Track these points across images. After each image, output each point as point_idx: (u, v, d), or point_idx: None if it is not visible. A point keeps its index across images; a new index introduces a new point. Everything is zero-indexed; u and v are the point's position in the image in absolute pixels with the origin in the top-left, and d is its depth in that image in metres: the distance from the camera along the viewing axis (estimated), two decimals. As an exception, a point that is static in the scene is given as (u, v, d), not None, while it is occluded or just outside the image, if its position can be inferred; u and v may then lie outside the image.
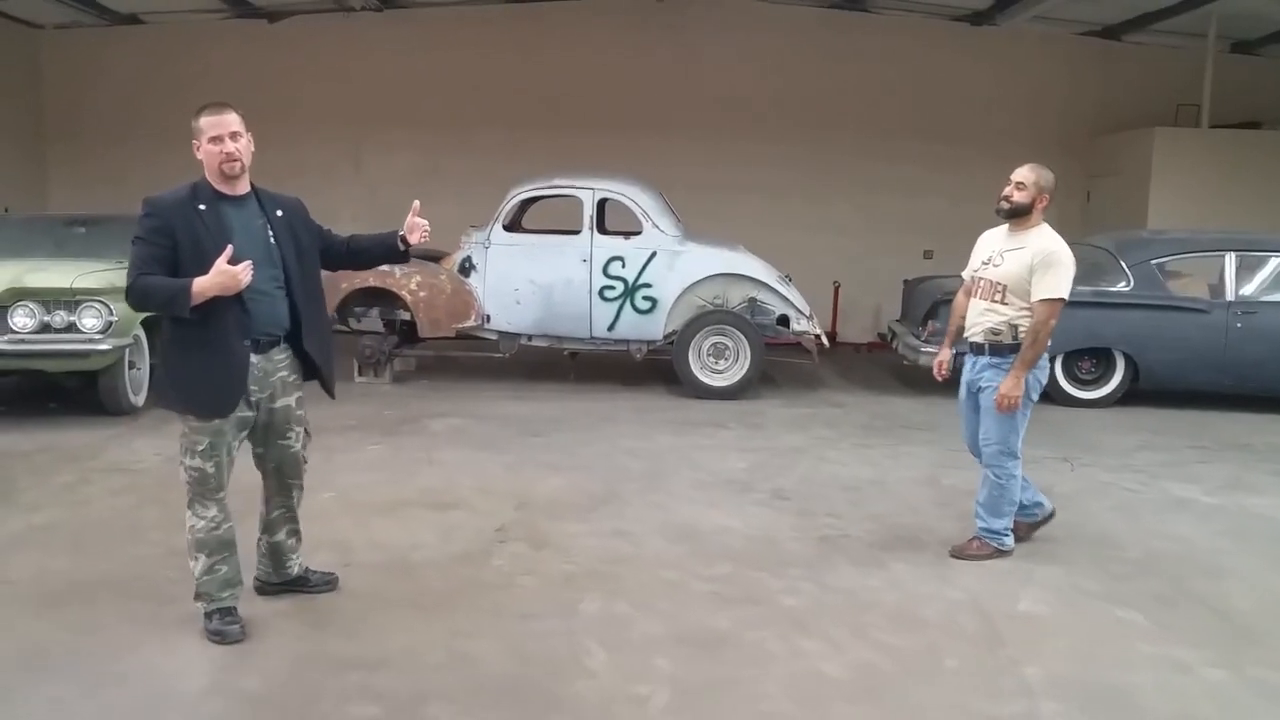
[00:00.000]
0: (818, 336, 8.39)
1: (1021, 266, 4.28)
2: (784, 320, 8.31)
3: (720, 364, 8.21)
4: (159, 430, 6.46)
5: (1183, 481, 5.89)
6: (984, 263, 4.46)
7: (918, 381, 8.89)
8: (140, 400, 6.97)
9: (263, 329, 3.44)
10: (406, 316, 8.45)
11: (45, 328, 6.46)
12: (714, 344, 8.20)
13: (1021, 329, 4.28)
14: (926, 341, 8.07)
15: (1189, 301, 8.01)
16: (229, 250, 3.24)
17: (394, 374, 8.63)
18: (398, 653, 3.45)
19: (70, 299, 6.47)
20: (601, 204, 8.27)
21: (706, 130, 11.26)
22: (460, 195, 10.30)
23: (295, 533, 3.86)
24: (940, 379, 4.78)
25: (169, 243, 3.29)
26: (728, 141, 11.26)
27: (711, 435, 6.90)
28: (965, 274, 4.65)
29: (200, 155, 3.37)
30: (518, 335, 8.43)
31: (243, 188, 3.44)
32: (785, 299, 8.27)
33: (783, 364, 8.86)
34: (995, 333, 4.34)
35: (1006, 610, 3.91)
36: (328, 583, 3.95)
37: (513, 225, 8.45)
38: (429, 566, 4.26)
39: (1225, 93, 10.45)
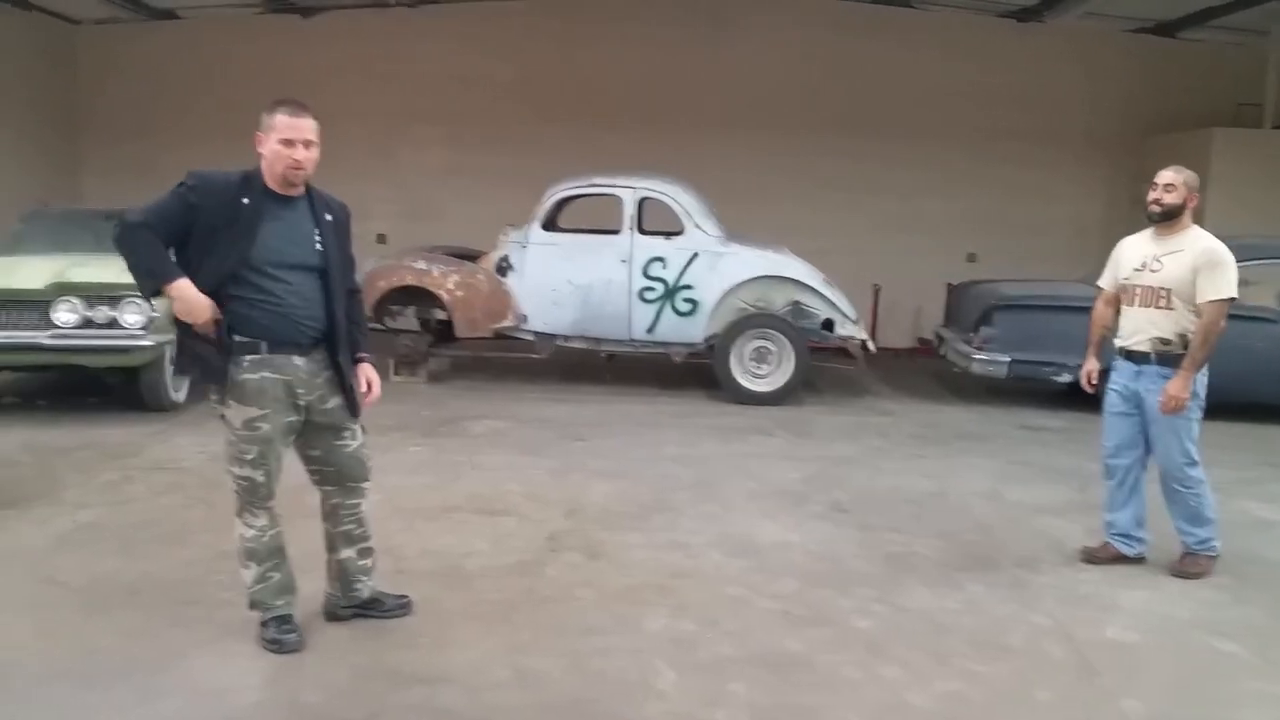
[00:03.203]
0: (863, 341, 8.22)
1: (1184, 269, 4.19)
2: (828, 324, 8.13)
3: (763, 368, 8.05)
4: (200, 427, 6.37)
5: (1262, 501, 5.67)
6: (1136, 269, 4.35)
7: (968, 389, 8.74)
8: (181, 397, 6.89)
9: (306, 332, 3.31)
10: (443, 316, 8.34)
11: (88, 323, 6.39)
12: (756, 348, 8.04)
13: (1188, 334, 4.19)
14: (979, 348, 7.89)
15: (1256, 311, 7.76)
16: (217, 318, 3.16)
17: (429, 373, 8.53)
18: (459, 667, 3.33)
19: (113, 294, 6.40)
20: (641, 203, 8.13)
21: (745, 129, 11.08)
22: (494, 194, 10.23)
23: (367, 551, 3.60)
24: (1090, 390, 4.60)
25: (190, 218, 3.14)
26: (766, 140, 11.07)
27: (758, 443, 6.74)
28: (1104, 283, 4.57)
29: (263, 150, 3.21)
30: (555, 336, 8.31)
31: (298, 191, 3.30)
32: (830, 302, 8.09)
33: (825, 369, 8.69)
34: (1165, 341, 4.24)
35: (1094, 637, 3.73)
36: (402, 606, 3.70)
37: (550, 224, 8.32)
38: (483, 576, 4.14)
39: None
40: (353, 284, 3.54)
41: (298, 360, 3.29)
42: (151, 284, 3.16)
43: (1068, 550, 4.64)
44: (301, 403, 3.32)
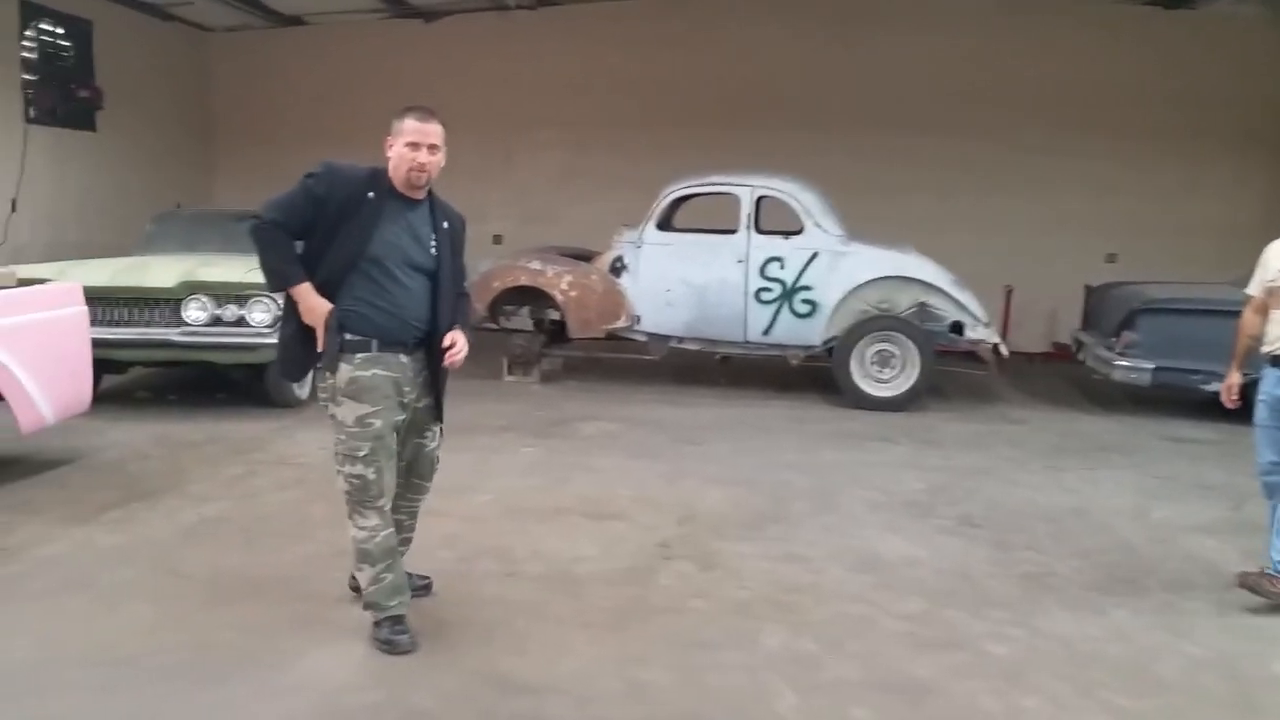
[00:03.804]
0: (995, 345, 7.82)
1: None
2: (957, 327, 7.77)
3: (885, 373, 7.74)
4: (322, 423, 6.32)
5: None
6: None
7: (1108, 398, 8.23)
8: (304, 394, 7.02)
9: (413, 332, 3.34)
10: (556, 316, 8.31)
11: (216, 321, 6.58)
12: (879, 351, 7.74)
13: None
14: (1121, 354, 7.41)
15: None
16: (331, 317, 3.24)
17: (542, 374, 8.52)
18: (569, 677, 3.23)
19: (241, 293, 6.58)
20: (759, 202, 7.92)
21: (868, 126, 10.70)
22: (610, 194, 10.19)
23: (408, 540, 3.70)
24: (1231, 405, 4.25)
25: (316, 209, 3.23)
26: (889, 137, 10.67)
27: (881, 450, 6.47)
28: (1252, 289, 4.21)
29: (390, 154, 3.29)
30: (668, 337, 8.18)
31: (421, 194, 3.36)
32: (959, 304, 7.72)
33: (953, 374, 8.31)
34: None
35: (1258, 672, 3.39)
36: (425, 587, 3.80)
37: (665, 224, 8.20)
38: (593, 581, 4.04)
39: None
40: (461, 289, 3.59)
41: (404, 358, 3.35)
42: (277, 283, 3.32)
43: (1223, 574, 4.26)
44: (405, 400, 3.37)
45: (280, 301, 6.32)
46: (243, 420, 6.66)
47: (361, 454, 3.27)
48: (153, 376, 8.01)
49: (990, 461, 6.25)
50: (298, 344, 3.35)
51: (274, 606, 3.69)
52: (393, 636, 3.36)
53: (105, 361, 6.34)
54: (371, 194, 3.26)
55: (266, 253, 3.27)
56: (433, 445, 3.56)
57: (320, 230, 3.25)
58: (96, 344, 5.74)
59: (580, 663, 3.33)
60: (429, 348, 3.40)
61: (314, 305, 3.23)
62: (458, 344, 3.37)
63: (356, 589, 3.61)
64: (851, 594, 4.01)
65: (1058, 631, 3.70)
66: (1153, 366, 7.32)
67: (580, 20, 11.23)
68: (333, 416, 3.34)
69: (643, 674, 3.26)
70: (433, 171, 3.28)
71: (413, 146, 3.23)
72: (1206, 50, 10.45)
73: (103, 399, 6.14)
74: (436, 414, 3.51)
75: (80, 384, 5.47)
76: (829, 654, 3.46)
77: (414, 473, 3.58)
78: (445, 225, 3.40)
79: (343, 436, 3.30)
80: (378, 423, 3.27)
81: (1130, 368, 7.38)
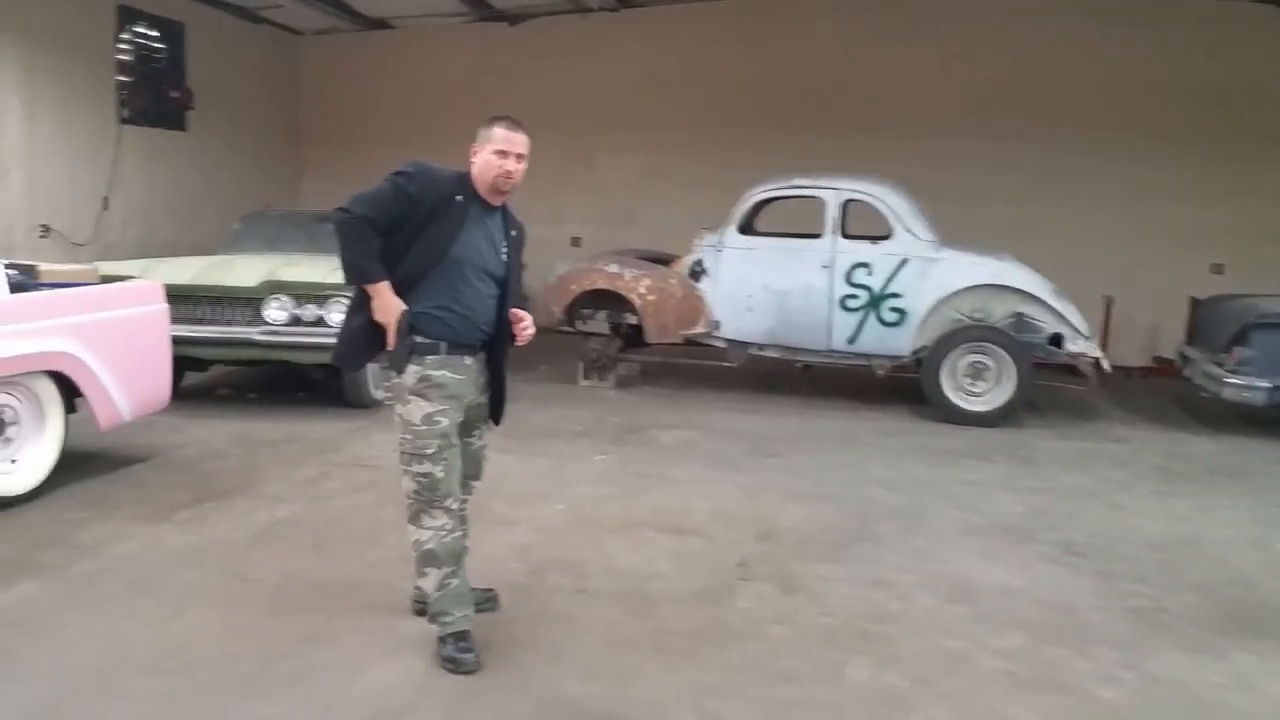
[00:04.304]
0: (1096, 359, 7.39)
1: None
2: (1056, 339, 7.36)
3: (978, 386, 7.38)
4: (397, 426, 6.42)
5: None
6: None
7: (1217, 417, 7.72)
8: (381, 395, 6.98)
9: (479, 336, 3.36)
10: (633, 320, 8.14)
11: (296, 320, 6.59)
12: (972, 363, 7.38)
13: None
14: (1233, 371, 6.95)
15: None
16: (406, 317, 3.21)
17: (617, 378, 8.36)
18: (642, 706, 3.05)
19: (321, 293, 6.57)
20: (845, 206, 7.63)
21: (953, 129, 10.29)
22: (689, 197, 10.00)
23: (465, 546, 3.53)
24: None
25: (407, 210, 3.19)
26: (977, 141, 10.24)
27: (973, 468, 6.13)
28: None
29: (476, 160, 3.30)
30: (748, 344, 7.93)
31: (500, 201, 3.38)
32: (1059, 315, 7.32)
33: (1048, 389, 7.90)
34: None
35: None
36: (490, 600, 3.66)
37: (747, 228, 7.96)
38: (668, 601, 3.84)
39: None
40: (520, 297, 3.56)
41: (469, 361, 3.35)
42: (357, 278, 3.25)
43: (1361, 617, 3.88)
44: (466, 402, 3.35)
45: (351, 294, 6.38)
46: (320, 420, 6.66)
47: (429, 451, 3.23)
48: (234, 374, 8.10)
49: (1092, 483, 5.87)
50: (362, 337, 3.32)
51: (339, 615, 3.60)
52: (458, 655, 3.24)
53: (187, 359, 6.41)
54: (460, 197, 3.26)
55: (351, 247, 3.20)
56: (480, 444, 3.55)
57: (407, 230, 3.21)
58: (178, 342, 5.79)
59: (653, 691, 3.15)
60: (490, 351, 3.43)
61: (389, 304, 3.19)
62: (526, 320, 3.42)
63: (421, 608, 3.50)
64: (944, 626, 3.74)
65: (1173, 676, 3.39)
66: (1268, 385, 6.85)
67: (662, 21, 11.06)
68: (399, 416, 3.28)
69: (719, 706, 3.06)
70: (517, 180, 3.31)
71: (501, 154, 3.25)
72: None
73: (184, 395, 6.19)
74: (494, 411, 3.52)
75: (159, 381, 5.49)
76: (920, 691, 3.21)
77: (464, 471, 3.50)
78: (513, 234, 3.43)
79: (409, 435, 3.25)
80: (444, 421, 3.24)
81: (1243, 386, 6.92)
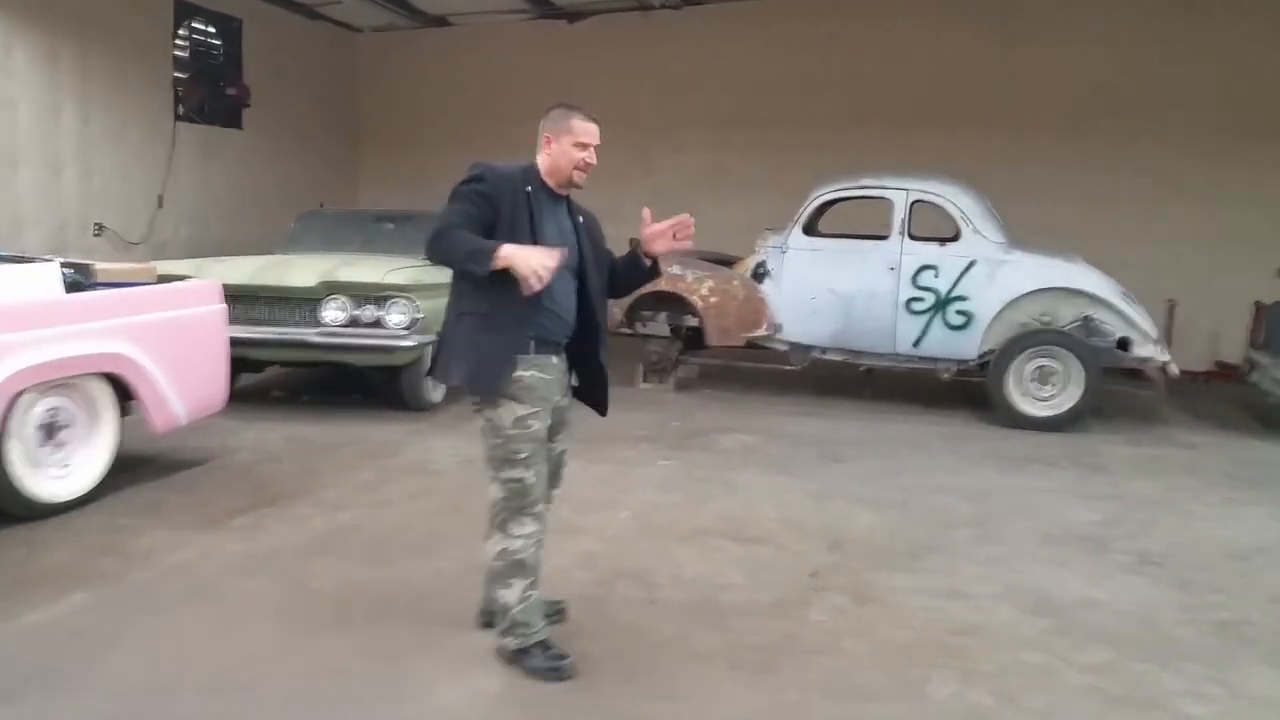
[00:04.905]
0: (1164, 364, 7.17)
1: None
2: (1123, 343, 7.16)
3: (1045, 390, 7.18)
4: (456, 429, 6.39)
5: None
6: None
7: (1283, 423, 7.49)
8: (439, 397, 6.96)
9: (564, 332, 3.26)
10: (694, 322, 8.03)
11: (354, 321, 6.51)
12: (1038, 367, 7.18)
13: None
14: (1301, 377, 6.72)
15: None
16: (565, 252, 3.08)
17: (677, 381, 8.26)
18: (722, 726, 2.94)
19: (379, 294, 6.50)
20: (913, 206, 7.47)
21: (1021, 128, 10.06)
22: (751, 197, 9.88)
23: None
24: None
25: (492, 210, 3.10)
26: (1044, 140, 10.02)
27: (1043, 474, 5.96)
28: None
29: (551, 150, 3.21)
30: (811, 347, 7.79)
31: (567, 192, 3.31)
32: (1127, 319, 7.11)
33: (1112, 393, 7.67)
34: None
35: None
36: (559, 611, 3.54)
37: (811, 229, 7.82)
38: (741, 614, 3.74)
39: None
40: (602, 291, 3.40)
41: (555, 360, 3.26)
42: (479, 260, 2.98)
43: None
44: (554, 403, 3.24)
45: (422, 305, 6.32)
46: (377, 424, 6.59)
47: (522, 456, 3.12)
48: (288, 376, 8.06)
49: (1163, 491, 5.68)
50: (488, 342, 3.09)
51: (402, 629, 3.50)
52: (556, 663, 3.16)
53: (242, 360, 6.31)
54: (529, 188, 3.18)
55: (454, 250, 3.01)
56: (561, 449, 3.42)
57: (494, 230, 3.09)
58: (234, 343, 5.67)
59: (731, 709, 3.05)
60: (575, 349, 3.33)
61: (527, 252, 2.95)
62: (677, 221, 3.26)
63: (488, 620, 3.40)
64: (1026, 639, 3.60)
65: (1263, 692, 3.25)
66: None
67: (723, 19, 10.92)
68: (488, 420, 3.16)
69: (801, 725, 2.96)
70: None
71: (581, 146, 3.19)
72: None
73: (237, 398, 6.09)
74: (599, 403, 3.41)
75: (216, 384, 5.40)
76: (1007, 709, 3.08)
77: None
78: (581, 220, 3.33)
79: (499, 440, 3.13)
80: (536, 424, 3.14)
81: None
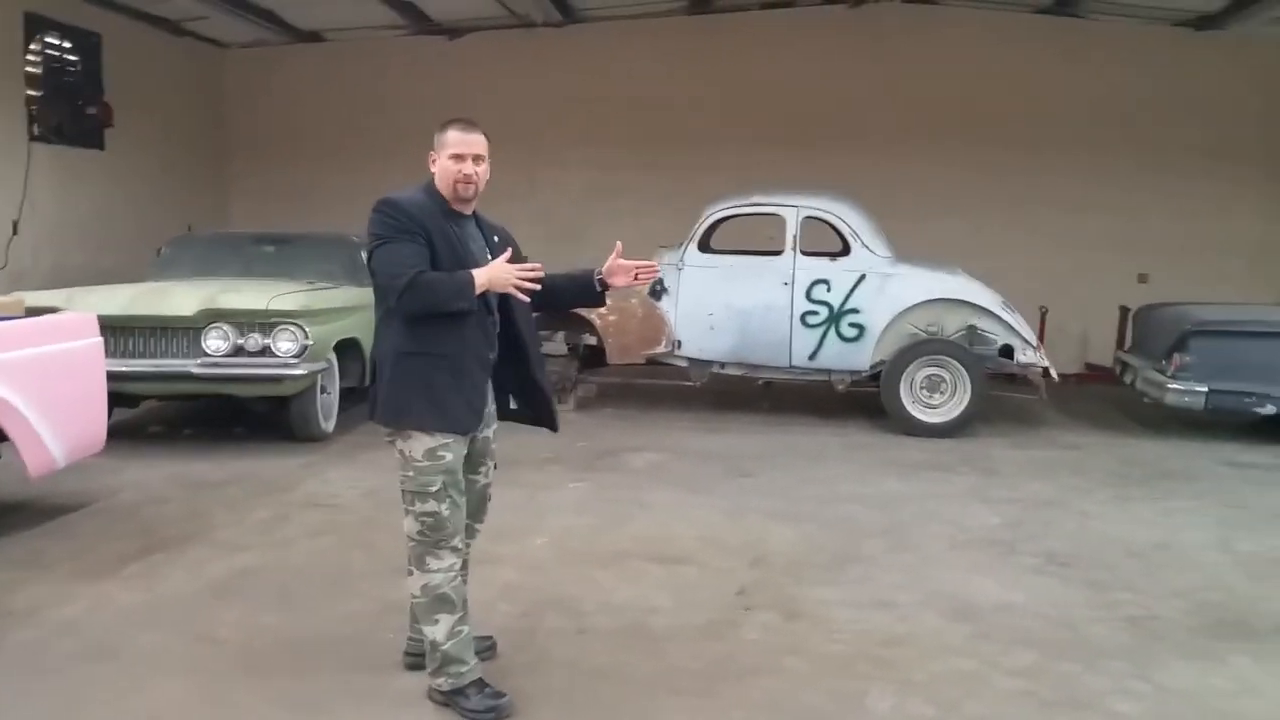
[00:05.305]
0: (1045, 369, 7.51)
1: None
2: (1007, 350, 7.47)
3: (935, 398, 7.42)
4: (352, 459, 6.15)
5: None
6: None
7: (1157, 421, 7.96)
8: (330, 426, 6.67)
9: (487, 355, 3.11)
10: (592, 341, 7.97)
11: (239, 350, 6.18)
12: (928, 376, 7.41)
13: None
14: (1173, 377, 7.14)
15: None
16: (509, 252, 3.02)
17: (578, 400, 8.17)
18: (666, 755, 2.88)
19: (265, 321, 6.19)
20: (803, 223, 7.61)
21: (899, 146, 10.41)
22: (640, 214, 9.85)
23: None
24: None
25: (428, 243, 2.96)
26: (921, 157, 10.38)
27: (943, 480, 6.13)
28: None
29: (434, 168, 3.10)
30: (710, 363, 7.83)
31: (469, 209, 3.17)
32: (1010, 327, 7.43)
33: (995, 398, 7.97)
34: None
35: None
36: (489, 648, 3.42)
37: (704, 246, 7.88)
38: (673, 638, 3.67)
39: None
40: (527, 310, 3.28)
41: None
42: (467, 296, 2.91)
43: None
44: (477, 432, 3.13)
45: (310, 332, 6.04)
46: (267, 457, 6.27)
47: (434, 489, 2.99)
48: (166, 409, 7.63)
49: (1057, 491, 5.92)
50: (450, 383, 2.99)
51: (322, 677, 3.30)
52: (494, 702, 3.03)
53: (117, 395, 5.85)
54: (440, 211, 3.05)
55: (436, 293, 2.90)
56: (485, 481, 3.29)
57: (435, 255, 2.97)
58: (110, 377, 5.28)
59: (679, 737, 2.99)
60: (508, 372, 3.22)
61: (496, 268, 2.94)
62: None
63: (414, 661, 3.26)
64: (953, 646, 3.66)
65: (1182, 686, 3.37)
66: (1206, 390, 7.11)
67: (605, 37, 10.88)
68: (400, 452, 3.02)
69: (748, 749, 2.92)
70: (479, 183, 3.09)
71: (457, 159, 3.04)
72: (1235, 71, 10.24)
73: (113, 434, 5.62)
74: (493, 447, 3.29)
75: (95, 424, 5.05)
76: (947, 718, 3.11)
77: (467, 512, 3.22)
78: (495, 239, 3.20)
79: (410, 473, 3.00)
80: (449, 455, 3.01)
81: (1183, 391, 7.15)
